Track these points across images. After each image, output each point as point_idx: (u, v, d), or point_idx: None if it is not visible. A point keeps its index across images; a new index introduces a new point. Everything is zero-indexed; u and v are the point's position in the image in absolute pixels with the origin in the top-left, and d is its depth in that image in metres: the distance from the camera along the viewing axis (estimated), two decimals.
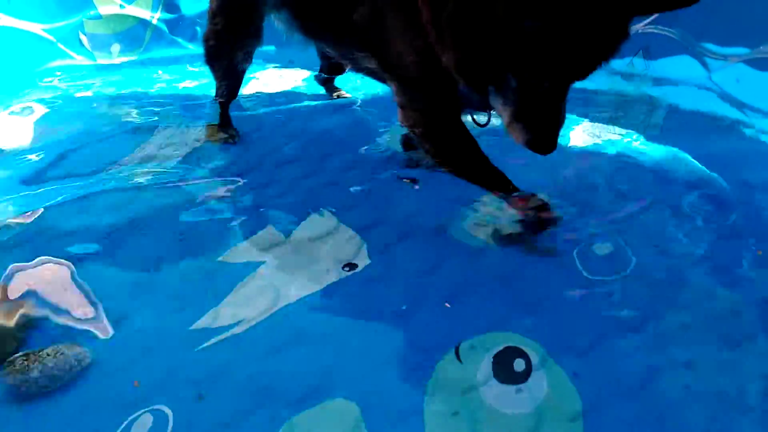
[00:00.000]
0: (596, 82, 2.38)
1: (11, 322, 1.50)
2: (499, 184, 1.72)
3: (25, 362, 1.37)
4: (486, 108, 1.62)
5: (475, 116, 1.75)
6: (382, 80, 1.89)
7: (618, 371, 1.31)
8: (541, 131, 1.40)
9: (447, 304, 1.43)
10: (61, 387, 1.35)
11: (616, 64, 2.49)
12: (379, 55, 1.76)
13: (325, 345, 1.41)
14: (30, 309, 1.54)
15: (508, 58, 1.31)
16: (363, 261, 1.65)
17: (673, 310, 1.43)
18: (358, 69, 1.96)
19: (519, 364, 1.33)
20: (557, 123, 1.41)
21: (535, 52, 1.28)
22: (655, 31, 2.41)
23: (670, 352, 1.33)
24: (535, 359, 1.33)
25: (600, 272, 1.55)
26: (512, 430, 1.21)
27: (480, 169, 1.72)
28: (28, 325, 1.51)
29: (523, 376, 1.30)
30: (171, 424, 1.27)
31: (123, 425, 1.27)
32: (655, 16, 2.41)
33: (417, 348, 1.39)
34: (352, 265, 1.64)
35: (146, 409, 1.30)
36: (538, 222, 1.69)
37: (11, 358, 1.38)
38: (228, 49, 2.28)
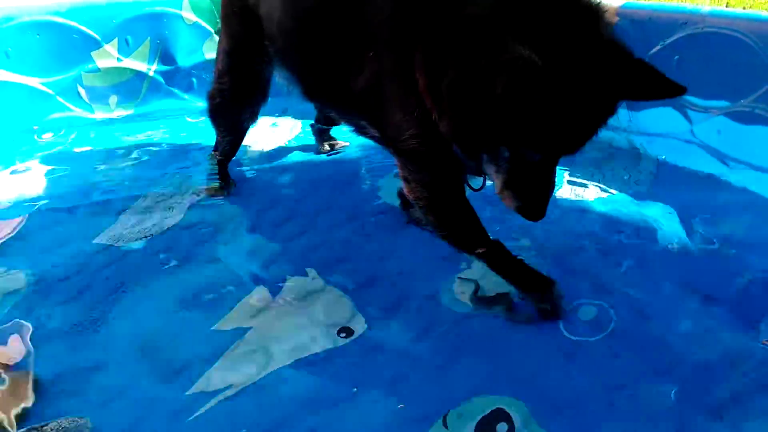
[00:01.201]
0: None
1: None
2: (502, 261, 1.75)
3: None
4: (480, 173, 1.66)
5: (469, 180, 1.79)
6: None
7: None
8: (530, 199, 1.46)
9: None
10: None
11: None
12: (378, 125, 1.79)
13: (316, 415, 1.45)
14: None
15: (502, 131, 1.37)
16: (360, 326, 1.71)
17: (649, 375, 1.49)
18: (362, 134, 1.97)
19: (501, 428, 1.38)
20: (547, 191, 1.48)
21: (529, 129, 1.33)
22: None
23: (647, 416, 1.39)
24: (518, 422, 1.38)
25: (583, 334, 1.62)
26: None
27: (484, 246, 1.74)
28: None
29: None
30: None
31: None
32: None
33: (406, 418, 1.43)
34: (348, 331, 1.69)
35: None
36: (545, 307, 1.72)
37: None
38: (234, 108, 2.35)
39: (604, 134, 2.43)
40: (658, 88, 1.36)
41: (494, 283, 1.80)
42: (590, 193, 2.25)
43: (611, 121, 2.30)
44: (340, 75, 1.77)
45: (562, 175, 2.34)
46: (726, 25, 2.21)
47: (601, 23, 1.37)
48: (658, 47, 2.41)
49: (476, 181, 1.78)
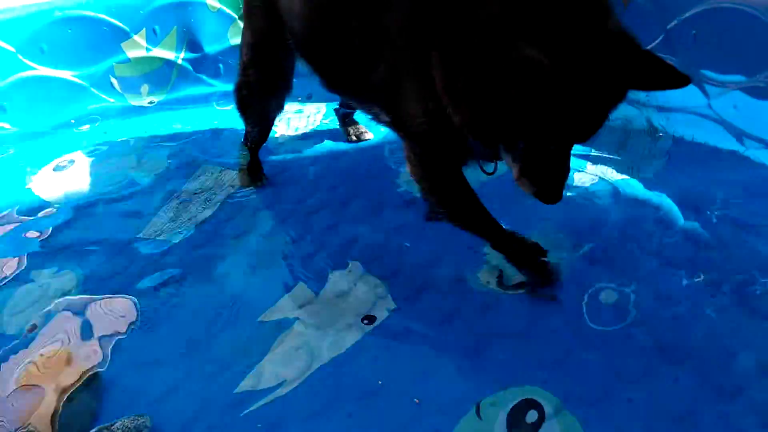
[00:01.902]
0: None
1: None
2: (497, 237, 1.89)
3: None
4: (493, 158, 1.75)
5: (483, 165, 1.86)
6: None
7: (622, 423, 1.47)
8: (546, 185, 1.53)
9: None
10: None
11: None
12: (392, 113, 1.87)
13: (357, 407, 1.58)
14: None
15: (517, 127, 1.44)
16: (384, 313, 1.83)
17: (668, 363, 1.58)
18: (377, 121, 2.06)
19: (531, 416, 1.49)
20: (562, 176, 1.54)
21: (542, 124, 1.41)
22: None
23: (664, 404, 1.49)
24: (548, 409, 1.49)
25: (605, 323, 1.71)
26: None
27: (481, 223, 1.89)
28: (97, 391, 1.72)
29: (536, 427, 1.47)
30: None
31: None
32: (655, 43, 2.51)
33: (436, 409, 1.54)
34: (371, 318, 1.81)
35: None
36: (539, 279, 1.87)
37: None
38: (260, 100, 2.42)
39: (621, 114, 2.53)
40: (664, 78, 1.41)
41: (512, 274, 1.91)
42: (609, 176, 2.30)
43: (630, 95, 2.36)
44: (357, 68, 1.84)
45: (583, 163, 2.40)
46: (741, 1, 2.23)
47: (610, 17, 1.42)
48: (675, 22, 2.43)
49: (489, 166, 1.85)
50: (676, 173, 2.26)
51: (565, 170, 1.54)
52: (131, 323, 1.91)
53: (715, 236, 1.95)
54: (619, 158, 2.39)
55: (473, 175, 1.85)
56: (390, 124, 1.94)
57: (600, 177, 2.30)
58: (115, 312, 1.96)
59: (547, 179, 1.52)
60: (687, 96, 2.43)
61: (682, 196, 2.14)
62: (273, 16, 2.18)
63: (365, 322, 1.80)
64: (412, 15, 1.65)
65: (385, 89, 1.80)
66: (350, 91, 2.10)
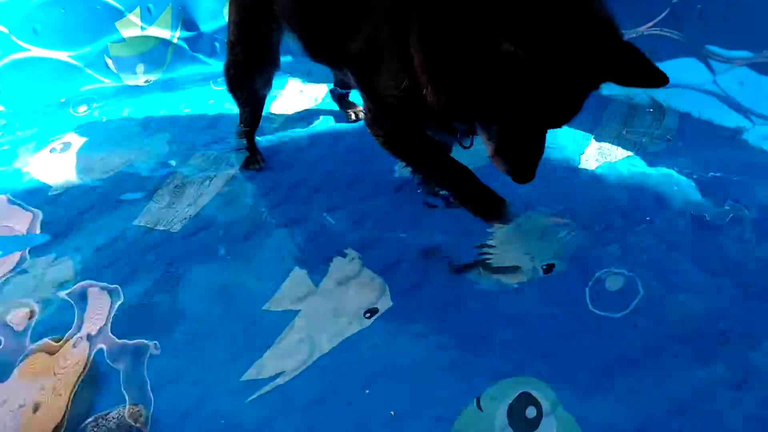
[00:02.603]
0: (608, 87, 2.49)
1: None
2: (461, 186, 1.87)
3: (95, 428, 1.60)
4: (469, 133, 1.78)
5: (460, 139, 1.87)
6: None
7: (622, 414, 1.45)
8: (519, 164, 1.57)
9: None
10: None
11: None
12: (362, 80, 1.88)
13: (357, 397, 1.57)
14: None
15: (492, 114, 1.47)
16: (385, 305, 1.81)
17: (671, 347, 1.56)
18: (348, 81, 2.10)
19: (531, 412, 1.49)
20: (535, 157, 1.57)
21: (517, 113, 1.43)
22: (661, 33, 2.45)
23: (667, 392, 1.47)
24: (545, 406, 1.48)
25: (608, 308, 1.69)
26: None
27: (441, 173, 1.90)
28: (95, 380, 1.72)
29: (535, 424, 1.46)
30: None
31: None
32: (660, 17, 2.46)
33: (436, 401, 1.54)
34: (372, 311, 1.79)
35: None
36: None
37: (84, 423, 1.61)
38: (248, 78, 2.40)
39: (624, 91, 2.49)
40: (642, 75, 1.40)
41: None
42: (614, 156, 2.26)
43: None
44: (337, 37, 1.85)
45: (588, 137, 2.36)
46: None
47: (594, 3, 1.40)
48: None
49: (466, 140, 1.84)
50: (681, 151, 2.22)
51: (538, 151, 1.57)
52: (130, 312, 1.89)
53: (720, 218, 1.92)
54: (623, 136, 2.34)
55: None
56: (359, 89, 1.94)
57: (605, 158, 2.26)
58: (113, 300, 1.95)
59: (521, 159, 1.55)
60: (692, 72, 2.39)
61: (687, 175, 2.10)
62: None
63: (367, 315, 1.78)
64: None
65: (361, 59, 1.81)
66: (330, 58, 2.10)
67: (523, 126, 1.49)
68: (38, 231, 2.29)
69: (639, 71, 1.39)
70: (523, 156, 1.55)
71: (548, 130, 1.57)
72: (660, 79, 1.38)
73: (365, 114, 1.94)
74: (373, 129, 1.93)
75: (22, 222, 2.35)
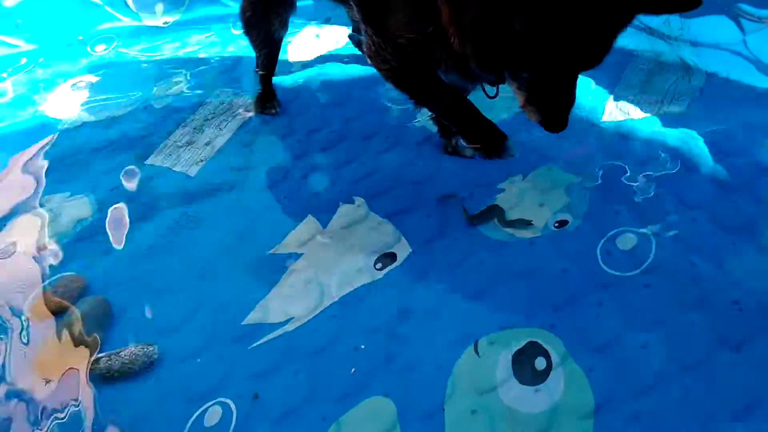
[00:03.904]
0: (634, 41, 2.44)
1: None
2: (463, 119, 1.84)
3: (108, 362, 1.63)
4: (496, 83, 1.75)
5: (486, 88, 1.84)
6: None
7: (631, 369, 1.45)
8: (551, 113, 1.54)
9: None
10: (137, 377, 1.59)
11: (653, 22, 2.50)
12: (371, 17, 1.82)
13: (363, 344, 1.58)
14: None
15: (523, 60, 1.44)
16: (402, 252, 1.81)
17: (683, 310, 1.55)
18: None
19: (540, 363, 1.48)
20: (567, 105, 1.54)
21: (548, 56, 1.40)
22: None
23: (676, 353, 1.47)
24: (555, 358, 1.48)
25: (621, 268, 1.66)
26: (526, 428, 1.38)
27: (444, 104, 1.86)
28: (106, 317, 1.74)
29: (543, 376, 1.46)
30: (234, 416, 1.50)
31: (196, 414, 1.51)
32: None
33: (438, 345, 1.55)
34: (389, 257, 1.79)
35: (214, 402, 1.53)
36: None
37: (96, 356, 1.64)
38: (264, 19, 2.36)
39: (656, 43, 2.42)
40: (674, 1, 1.40)
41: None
42: (635, 114, 2.21)
43: (663, 27, 2.24)
44: None
45: (607, 93, 2.31)
46: None
47: None
48: None
49: (491, 90, 1.81)
50: (707, 112, 2.16)
51: (570, 99, 1.54)
52: (141, 253, 1.91)
53: (740, 180, 1.88)
54: (646, 93, 2.29)
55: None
56: (364, 23, 1.87)
57: (625, 115, 2.22)
58: (127, 240, 1.97)
59: (553, 108, 1.53)
60: (721, 31, 2.34)
61: (711, 137, 2.05)
62: None
63: (378, 266, 1.78)
64: None
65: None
66: None
67: (554, 70, 1.45)
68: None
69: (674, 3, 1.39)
70: (555, 104, 1.52)
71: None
72: (693, 2, 1.36)
73: (367, 45, 1.87)
74: (375, 61, 1.87)
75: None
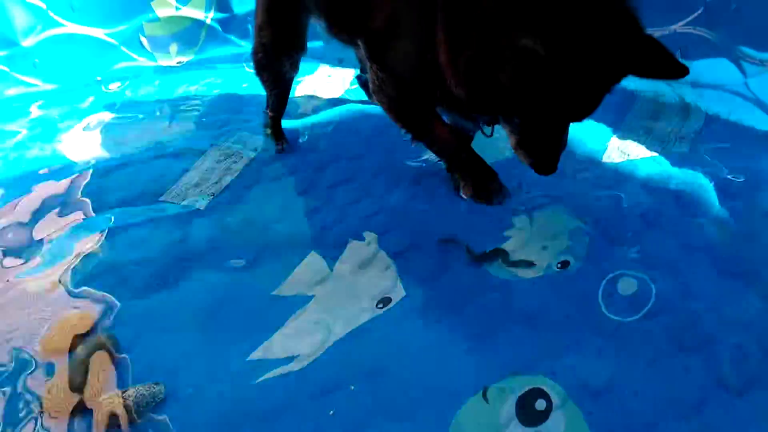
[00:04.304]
0: (635, 82, 2.46)
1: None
2: (453, 154, 2.00)
3: (111, 403, 1.63)
4: (491, 123, 1.84)
5: (482, 127, 1.92)
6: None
7: (630, 412, 1.45)
8: (542, 156, 1.61)
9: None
10: (144, 419, 1.59)
11: None
12: (376, 53, 1.92)
13: (367, 385, 1.58)
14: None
15: (513, 107, 1.52)
16: (398, 294, 1.82)
17: (683, 354, 1.55)
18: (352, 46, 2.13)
19: (540, 404, 1.49)
20: (558, 149, 1.61)
21: (537, 107, 1.47)
22: (693, 31, 2.42)
23: (674, 395, 1.47)
24: (556, 400, 1.48)
25: (621, 312, 1.68)
26: None
27: (437, 141, 2.00)
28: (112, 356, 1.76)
29: (543, 417, 1.46)
30: None
31: None
32: (694, 16, 2.43)
33: (443, 390, 1.54)
34: (386, 300, 1.80)
35: None
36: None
37: (101, 398, 1.64)
38: (275, 60, 2.44)
39: (652, 89, 2.46)
40: (662, 67, 1.43)
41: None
42: (636, 154, 2.24)
43: None
44: (359, 12, 1.89)
45: (611, 133, 2.35)
46: None
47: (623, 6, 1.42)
48: None
49: (487, 129, 1.90)
50: (707, 153, 2.18)
51: (561, 143, 1.60)
52: (149, 287, 1.94)
53: (743, 225, 1.89)
54: (647, 134, 2.32)
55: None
56: (370, 60, 1.96)
57: (628, 154, 2.25)
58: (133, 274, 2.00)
59: (543, 152, 1.59)
60: (723, 73, 2.37)
61: (711, 177, 2.07)
62: None
63: (379, 306, 1.79)
64: None
65: (378, 34, 1.86)
66: (349, 32, 2.10)
67: (544, 120, 1.52)
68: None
69: (660, 63, 1.41)
70: (545, 148, 1.58)
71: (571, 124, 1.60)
72: (680, 71, 1.41)
73: (372, 81, 1.97)
74: (378, 96, 1.99)
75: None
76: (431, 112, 1.93)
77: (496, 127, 1.83)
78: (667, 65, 1.41)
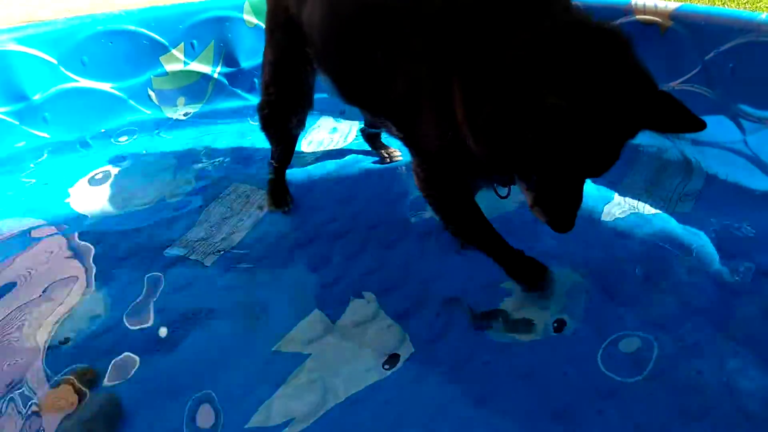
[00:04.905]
0: (640, 137, 2.49)
1: None
2: (500, 253, 1.95)
3: None
4: (508, 183, 1.83)
5: (497, 188, 1.91)
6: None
7: None
8: (559, 214, 1.58)
9: None
10: None
11: None
12: (405, 130, 1.93)
13: None
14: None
15: (531, 164, 1.50)
16: (406, 352, 1.82)
17: (685, 420, 1.54)
18: (389, 133, 2.13)
19: None
20: (574, 206, 1.58)
21: (555, 163, 1.47)
22: (692, 89, 2.45)
23: None
24: None
25: (621, 372, 1.67)
26: None
27: (485, 239, 1.96)
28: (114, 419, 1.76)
29: None
30: None
31: None
32: (692, 74, 2.46)
33: None
34: (393, 358, 1.81)
35: None
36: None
37: None
38: (282, 118, 2.48)
39: (660, 139, 2.48)
40: (680, 121, 1.45)
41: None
42: (638, 211, 2.26)
43: None
44: (375, 83, 1.90)
45: (613, 190, 2.37)
46: None
47: (628, 54, 1.46)
48: (713, 54, 2.37)
49: (503, 190, 1.89)
50: (707, 212, 2.20)
51: (577, 201, 1.59)
52: (154, 347, 1.95)
53: (744, 285, 1.89)
54: (649, 192, 2.35)
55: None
56: (402, 139, 1.98)
57: (630, 211, 2.26)
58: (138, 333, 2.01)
59: (560, 209, 1.57)
60: (722, 130, 2.38)
61: (711, 237, 2.09)
62: (295, 32, 2.23)
63: (386, 367, 1.79)
64: (439, 43, 1.67)
65: (403, 108, 1.85)
66: (365, 103, 2.15)
67: (562, 176, 1.52)
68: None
69: (676, 118, 1.43)
70: (562, 206, 1.57)
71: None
72: (697, 125, 1.43)
73: (416, 173, 1.96)
74: (425, 190, 1.97)
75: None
76: (477, 211, 1.94)
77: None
78: (683, 119, 1.43)
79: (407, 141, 1.95)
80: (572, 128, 1.37)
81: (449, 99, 1.63)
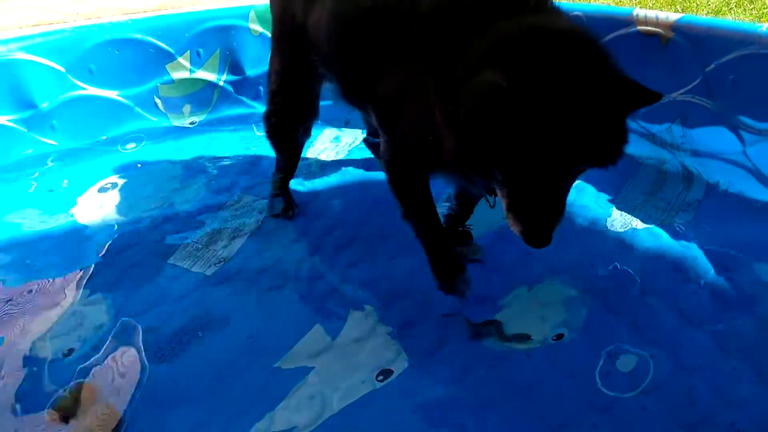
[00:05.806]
0: (639, 148, 2.52)
1: None
2: (435, 250, 2.01)
3: None
4: (491, 192, 1.72)
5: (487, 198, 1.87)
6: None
7: None
8: (532, 225, 1.42)
9: None
10: None
11: (656, 129, 2.59)
12: (384, 120, 1.95)
13: None
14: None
15: (491, 155, 1.38)
16: (399, 367, 1.84)
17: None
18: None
19: None
20: (552, 217, 1.43)
21: (507, 152, 1.35)
22: (693, 100, 2.47)
23: None
24: None
25: (617, 387, 1.68)
26: None
27: (427, 232, 2.01)
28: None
29: None
30: None
31: None
32: (692, 85, 2.48)
33: None
34: (386, 373, 1.82)
35: None
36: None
37: None
38: (289, 127, 2.50)
39: (659, 151, 2.49)
40: (635, 98, 1.36)
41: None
42: (638, 223, 2.28)
43: (666, 134, 2.31)
44: (368, 79, 1.91)
45: (611, 204, 2.39)
46: None
47: (593, 50, 1.40)
48: (713, 65, 2.39)
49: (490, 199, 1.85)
50: (706, 223, 2.21)
51: (555, 210, 1.43)
52: (154, 359, 1.97)
53: (741, 298, 1.90)
54: (649, 204, 2.36)
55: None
56: (379, 127, 2.00)
57: (628, 225, 2.28)
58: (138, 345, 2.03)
59: (535, 218, 1.42)
60: (722, 141, 2.40)
61: (710, 249, 2.10)
62: (302, 40, 2.25)
63: (380, 378, 1.80)
64: (427, 50, 1.66)
65: (385, 100, 1.88)
66: (359, 97, 2.14)
67: (523, 169, 1.36)
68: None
69: (630, 96, 1.35)
70: (536, 214, 1.41)
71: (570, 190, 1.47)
72: (653, 97, 1.34)
73: (383, 146, 2.00)
74: (387, 163, 2.01)
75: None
76: (428, 197, 1.96)
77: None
78: (639, 95, 1.34)
79: (383, 127, 1.97)
80: (513, 109, 1.28)
81: (430, 101, 1.60)
